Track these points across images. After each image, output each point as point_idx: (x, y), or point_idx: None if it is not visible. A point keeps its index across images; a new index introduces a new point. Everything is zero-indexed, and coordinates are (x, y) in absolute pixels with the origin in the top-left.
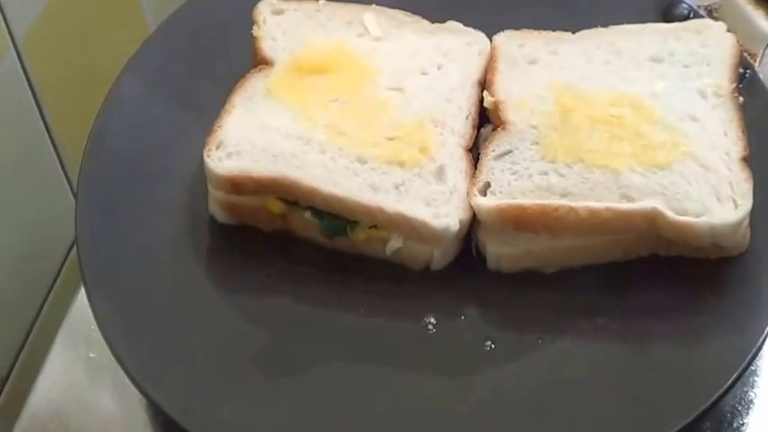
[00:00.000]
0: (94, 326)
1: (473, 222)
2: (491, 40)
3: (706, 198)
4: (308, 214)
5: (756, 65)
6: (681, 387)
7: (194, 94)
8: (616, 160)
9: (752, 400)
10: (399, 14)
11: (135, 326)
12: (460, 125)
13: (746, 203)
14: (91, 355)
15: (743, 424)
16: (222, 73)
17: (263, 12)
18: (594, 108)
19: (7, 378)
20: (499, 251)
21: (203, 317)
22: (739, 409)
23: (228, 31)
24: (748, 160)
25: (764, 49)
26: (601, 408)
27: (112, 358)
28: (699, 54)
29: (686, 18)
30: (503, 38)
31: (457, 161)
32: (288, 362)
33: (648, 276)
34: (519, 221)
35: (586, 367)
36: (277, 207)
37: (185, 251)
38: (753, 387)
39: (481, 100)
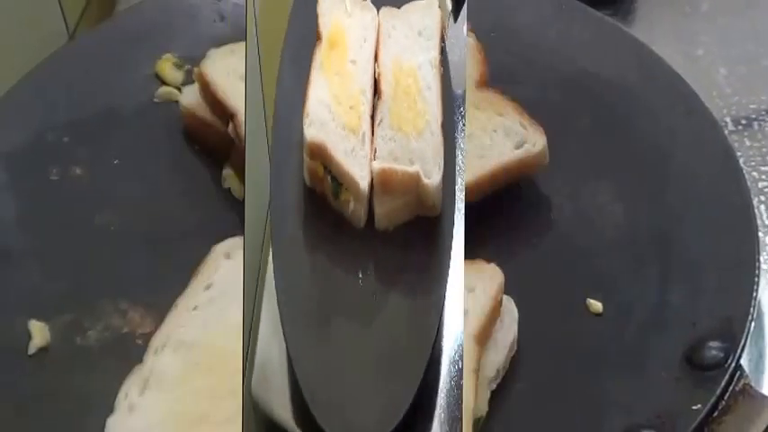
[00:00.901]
0: None
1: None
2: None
3: (429, 162)
4: (328, 177)
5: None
6: (417, 336)
7: None
8: (408, 127)
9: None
10: None
11: None
12: (370, 94)
13: (443, 167)
14: None
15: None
16: None
17: None
18: (402, 79)
19: None
20: (378, 211)
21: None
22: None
23: None
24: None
25: (447, 22)
26: (387, 354)
27: None
28: (430, 28)
29: None
30: (382, 13)
31: (368, 127)
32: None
33: (413, 237)
34: (382, 185)
35: (389, 317)
36: (319, 170)
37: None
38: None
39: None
